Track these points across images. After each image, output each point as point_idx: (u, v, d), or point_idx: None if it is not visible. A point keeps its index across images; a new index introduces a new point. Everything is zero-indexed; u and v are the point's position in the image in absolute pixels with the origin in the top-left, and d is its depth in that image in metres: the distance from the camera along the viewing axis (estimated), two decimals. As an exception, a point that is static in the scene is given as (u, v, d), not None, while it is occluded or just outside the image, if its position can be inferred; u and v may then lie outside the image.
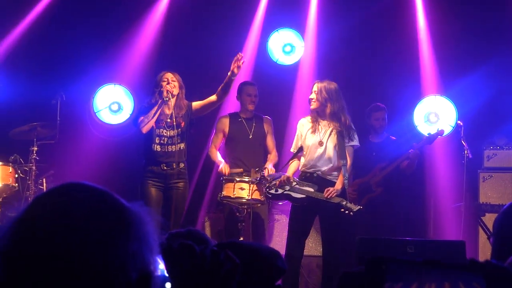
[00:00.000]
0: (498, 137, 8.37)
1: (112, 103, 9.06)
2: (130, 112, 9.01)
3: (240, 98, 7.63)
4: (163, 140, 6.94)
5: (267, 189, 6.73)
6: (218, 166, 7.31)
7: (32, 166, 7.90)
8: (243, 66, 9.31)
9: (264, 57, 9.30)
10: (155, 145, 6.92)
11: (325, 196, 6.48)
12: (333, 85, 6.77)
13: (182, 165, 6.98)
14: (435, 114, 8.68)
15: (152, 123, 6.89)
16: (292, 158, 6.85)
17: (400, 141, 7.94)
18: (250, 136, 7.49)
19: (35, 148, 7.97)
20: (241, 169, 7.25)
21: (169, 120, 6.92)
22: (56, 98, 8.22)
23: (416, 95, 8.95)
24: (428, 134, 7.73)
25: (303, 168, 6.79)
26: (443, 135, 7.69)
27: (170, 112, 6.92)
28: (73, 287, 1.21)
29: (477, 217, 7.76)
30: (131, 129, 7.66)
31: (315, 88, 6.76)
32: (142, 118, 6.94)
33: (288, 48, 9.32)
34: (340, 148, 6.66)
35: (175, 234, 2.96)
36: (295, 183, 6.66)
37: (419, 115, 8.79)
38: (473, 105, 8.57)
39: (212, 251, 1.52)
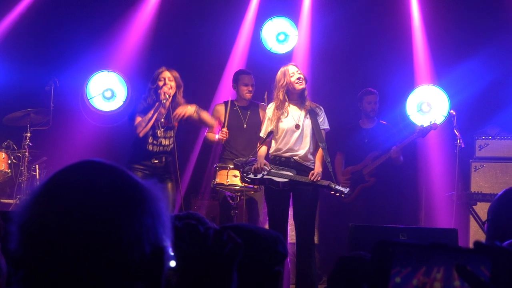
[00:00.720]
0: (490, 127, 8.41)
1: (105, 90, 9.02)
2: (124, 99, 8.99)
3: (236, 87, 7.59)
4: (156, 141, 6.94)
5: (244, 174, 6.62)
6: (216, 149, 7.37)
7: (25, 152, 7.90)
8: (237, 54, 9.40)
9: (258, 45, 9.29)
10: (148, 145, 6.93)
11: (312, 179, 6.46)
12: None
13: (170, 158, 7.00)
14: (427, 104, 8.69)
15: (149, 127, 6.87)
16: (261, 143, 6.74)
17: (393, 130, 7.97)
18: (245, 126, 7.45)
19: (28, 134, 7.97)
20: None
21: (163, 120, 6.92)
22: (50, 85, 8.23)
23: (409, 85, 8.97)
24: (420, 126, 7.77)
25: (276, 153, 6.67)
26: (436, 128, 7.74)
27: (165, 112, 6.89)
28: (90, 259, 1.25)
29: (468, 206, 7.82)
30: (124, 116, 7.63)
31: (295, 68, 6.68)
32: (139, 120, 6.88)
33: (282, 37, 9.29)
34: (317, 131, 6.62)
35: (175, 217, 2.98)
36: (270, 168, 6.56)
37: (412, 104, 8.80)
38: (465, 95, 8.60)
39: (215, 230, 1.54)
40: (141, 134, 6.86)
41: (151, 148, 6.92)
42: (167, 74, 6.92)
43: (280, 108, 6.65)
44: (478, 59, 8.57)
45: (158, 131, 6.93)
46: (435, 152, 8.74)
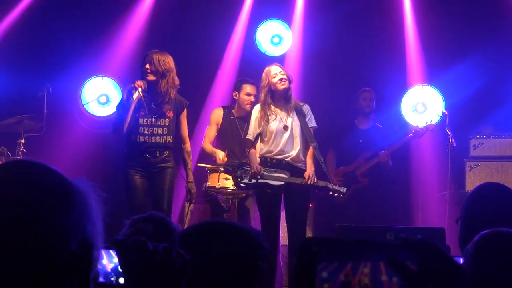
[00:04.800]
0: (485, 126, 8.39)
1: (100, 96, 9.06)
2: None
3: (237, 95, 7.51)
4: (147, 130, 6.47)
5: (238, 179, 6.56)
6: (213, 157, 7.27)
7: (19, 158, 7.92)
8: (231, 57, 9.37)
9: (252, 48, 9.29)
10: (139, 136, 6.47)
11: (308, 182, 6.42)
12: None
13: (166, 153, 6.54)
14: (422, 104, 8.69)
15: (128, 120, 6.42)
16: (251, 146, 6.66)
17: (387, 131, 7.96)
18: (243, 136, 7.31)
19: (22, 141, 7.98)
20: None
21: (153, 106, 6.49)
22: (43, 90, 8.23)
23: (403, 85, 8.96)
24: (416, 127, 7.78)
25: (267, 155, 6.60)
26: (433, 129, 7.74)
27: (155, 99, 6.50)
28: (14, 256, 1.25)
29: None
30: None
31: (278, 69, 6.64)
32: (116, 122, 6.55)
33: (276, 40, 9.29)
34: (306, 130, 6.59)
35: (137, 219, 2.99)
36: (262, 171, 6.51)
37: (407, 105, 8.79)
38: (460, 95, 8.58)
39: (164, 248, 1.54)
40: (124, 130, 6.45)
41: (142, 140, 6.44)
42: (151, 60, 6.44)
43: (265, 109, 6.60)
44: (472, 59, 8.55)
45: (148, 120, 6.48)
46: (427, 152, 8.72)
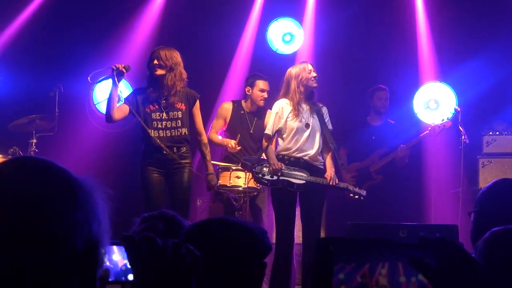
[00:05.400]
0: (497, 123, 8.35)
1: (111, 95, 9.06)
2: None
3: (250, 91, 7.46)
4: (161, 124, 6.40)
5: (260, 175, 6.49)
6: (222, 149, 7.26)
7: (31, 155, 7.93)
8: (243, 55, 9.36)
9: (264, 46, 9.28)
10: (153, 130, 6.39)
11: (330, 183, 6.41)
12: None
13: (184, 149, 6.47)
14: (435, 101, 8.64)
15: (114, 105, 6.39)
16: (270, 142, 6.62)
17: (400, 128, 7.93)
18: (251, 131, 7.35)
19: (34, 141, 7.99)
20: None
21: (163, 101, 6.44)
22: (54, 90, 8.26)
23: (415, 82, 8.92)
24: (432, 124, 7.76)
25: (285, 152, 6.56)
26: (449, 127, 7.70)
27: (163, 93, 6.45)
28: (18, 254, 1.24)
29: (475, 203, 7.75)
30: (131, 120, 7.48)
31: (311, 67, 6.61)
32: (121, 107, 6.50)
33: (287, 37, 9.27)
34: (326, 130, 6.57)
35: (148, 217, 2.98)
36: (283, 168, 6.47)
37: (419, 102, 8.75)
38: (472, 91, 8.55)
39: (173, 244, 1.52)
40: (113, 117, 6.40)
41: (156, 134, 6.36)
42: (158, 56, 6.43)
43: (293, 104, 6.55)
44: (484, 55, 8.52)
45: (160, 114, 6.42)
46: (440, 149, 8.70)
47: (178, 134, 6.43)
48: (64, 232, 1.28)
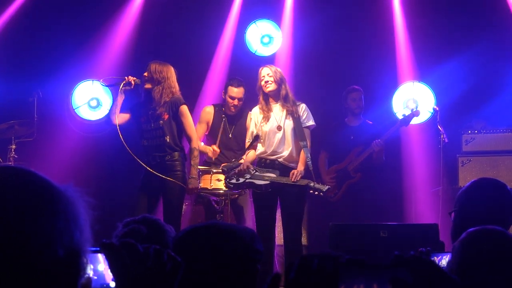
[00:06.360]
0: (476, 121, 8.40)
1: (91, 99, 9.03)
2: (109, 108, 8.97)
3: (224, 96, 7.45)
4: (149, 134, 6.74)
5: (227, 180, 6.62)
6: (204, 154, 7.28)
7: (11, 164, 7.88)
8: (222, 57, 9.35)
9: (242, 48, 9.27)
10: (143, 140, 6.77)
11: (291, 179, 6.45)
12: (279, 68, 6.84)
13: (168, 157, 6.65)
14: (413, 100, 8.68)
15: (117, 112, 6.79)
16: (248, 148, 6.77)
17: (378, 128, 7.96)
18: (230, 135, 7.39)
19: (13, 146, 7.93)
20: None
21: (150, 112, 6.75)
22: (33, 96, 8.21)
23: (394, 82, 8.97)
24: (402, 115, 7.82)
25: (262, 155, 6.72)
26: (419, 115, 7.76)
27: (152, 105, 6.74)
28: None
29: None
30: (110, 124, 7.53)
31: (267, 71, 6.70)
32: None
33: (266, 39, 9.27)
34: (298, 130, 6.62)
35: (130, 221, 2.96)
36: (254, 171, 6.59)
37: (398, 101, 8.79)
38: (450, 91, 8.60)
39: (155, 250, 1.52)
40: (113, 122, 6.77)
41: (146, 143, 6.75)
42: (151, 69, 6.77)
43: (262, 110, 6.73)
44: (460, 56, 8.58)
45: (148, 125, 6.77)
46: (420, 148, 8.75)
47: (161, 142, 6.70)
48: (44, 240, 1.27)
